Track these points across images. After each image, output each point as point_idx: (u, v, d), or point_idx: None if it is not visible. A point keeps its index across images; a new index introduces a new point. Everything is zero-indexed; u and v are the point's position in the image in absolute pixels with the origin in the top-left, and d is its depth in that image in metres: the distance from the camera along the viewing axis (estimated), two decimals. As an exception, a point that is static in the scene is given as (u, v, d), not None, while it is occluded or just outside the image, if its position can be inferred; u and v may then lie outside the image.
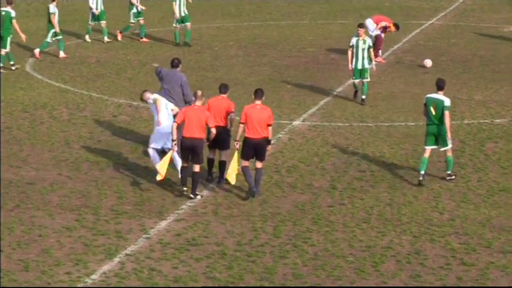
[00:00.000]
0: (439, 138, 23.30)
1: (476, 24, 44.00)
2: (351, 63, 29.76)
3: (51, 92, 31.24)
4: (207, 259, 18.35)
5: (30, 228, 19.87)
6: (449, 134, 23.15)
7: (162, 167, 22.17)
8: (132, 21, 40.38)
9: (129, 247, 18.89)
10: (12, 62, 34.71)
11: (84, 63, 35.77)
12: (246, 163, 22.02)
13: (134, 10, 40.07)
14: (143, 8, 40.33)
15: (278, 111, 27.18)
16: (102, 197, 21.80)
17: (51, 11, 37.05)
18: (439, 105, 23.16)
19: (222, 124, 22.41)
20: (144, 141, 25.65)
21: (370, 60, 29.90)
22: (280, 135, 26.01)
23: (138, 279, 17.44)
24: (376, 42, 34.60)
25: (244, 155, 22.07)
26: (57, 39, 36.95)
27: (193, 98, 22.49)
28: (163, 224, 20.21)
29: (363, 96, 29.94)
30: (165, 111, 23.79)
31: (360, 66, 29.59)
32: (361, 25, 30.64)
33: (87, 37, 40.44)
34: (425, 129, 23.93)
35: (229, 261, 18.29)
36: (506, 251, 18.82)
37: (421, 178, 23.01)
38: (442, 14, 46.72)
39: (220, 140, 22.47)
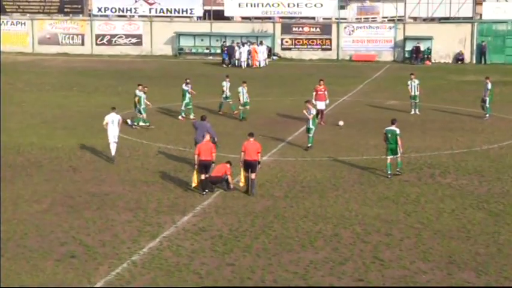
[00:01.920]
0: (393, 151, 25.01)
1: (370, 100, 44.43)
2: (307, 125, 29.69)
3: (119, 140, 30.94)
4: (211, 239, 18.73)
5: (106, 221, 20.18)
6: (400, 149, 25.13)
7: (194, 178, 23.09)
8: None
9: (165, 232, 19.23)
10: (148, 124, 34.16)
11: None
12: (246, 174, 22.86)
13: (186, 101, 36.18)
14: (194, 92, 36.81)
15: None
16: (149, 202, 21.97)
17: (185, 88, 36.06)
18: (394, 133, 25.05)
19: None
20: (175, 169, 26.18)
21: (314, 123, 29.63)
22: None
23: (170, 251, 17.74)
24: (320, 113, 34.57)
25: (245, 169, 22.91)
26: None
27: (211, 137, 24.32)
28: (185, 218, 20.42)
29: (309, 144, 29.39)
30: (111, 124, 27.30)
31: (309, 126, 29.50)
32: (308, 101, 30.68)
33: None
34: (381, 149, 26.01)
35: (224, 240, 18.66)
36: (388, 234, 19.14)
37: (389, 175, 25.01)
38: (350, 94, 47.28)
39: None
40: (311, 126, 29.45)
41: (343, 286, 15.85)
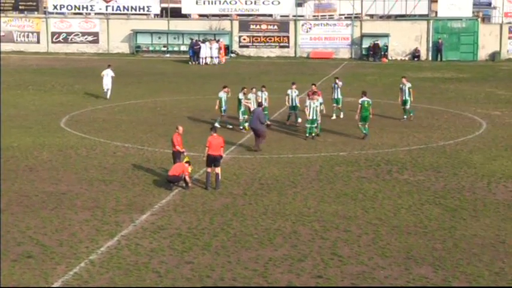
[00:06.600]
0: (366, 118, 30.57)
1: (327, 96, 43.93)
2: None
3: (76, 138, 31.12)
4: (170, 237, 18.61)
5: (63, 220, 19.95)
6: (371, 116, 31.08)
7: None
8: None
9: (123, 231, 19.10)
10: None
11: (95, 122, 35.57)
12: (208, 169, 23.18)
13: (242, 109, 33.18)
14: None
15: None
16: (107, 201, 21.83)
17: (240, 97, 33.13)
18: (368, 102, 30.71)
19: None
20: (133, 167, 26.05)
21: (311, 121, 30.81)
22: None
23: (129, 250, 17.58)
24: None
25: (207, 164, 23.24)
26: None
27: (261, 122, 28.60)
28: (143, 217, 20.32)
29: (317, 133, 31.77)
30: (105, 76, 40.49)
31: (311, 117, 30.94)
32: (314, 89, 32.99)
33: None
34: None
35: (183, 239, 18.52)
36: (347, 230, 18.88)
37: (364, 137, 30.63)
38: (307, 91, 47.08)
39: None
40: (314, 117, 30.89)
41: (302, 286, 15.76)
